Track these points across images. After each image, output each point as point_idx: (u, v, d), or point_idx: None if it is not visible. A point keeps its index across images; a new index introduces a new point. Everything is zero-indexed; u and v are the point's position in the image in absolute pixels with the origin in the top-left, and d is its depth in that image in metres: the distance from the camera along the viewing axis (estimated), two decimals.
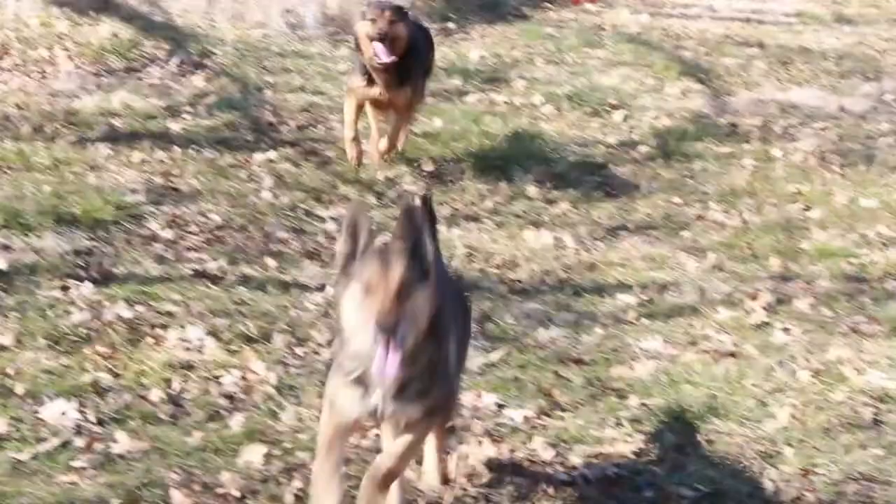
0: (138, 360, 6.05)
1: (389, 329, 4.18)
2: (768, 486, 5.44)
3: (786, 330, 6.98)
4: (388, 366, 4.21)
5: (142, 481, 5.10)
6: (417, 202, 4.70)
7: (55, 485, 5.06)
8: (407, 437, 4.54)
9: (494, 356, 6.44)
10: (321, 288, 7.03)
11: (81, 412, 5.56)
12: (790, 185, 9.39)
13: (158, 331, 6.37)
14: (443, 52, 12.14)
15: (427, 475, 5.21)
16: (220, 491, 5.09)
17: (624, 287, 7.49)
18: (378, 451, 5.03)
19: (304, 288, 7.04)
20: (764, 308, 7.23)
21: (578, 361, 6.50)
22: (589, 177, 9.33)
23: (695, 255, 8.01)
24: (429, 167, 9.14)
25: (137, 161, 8.56)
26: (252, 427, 5.55)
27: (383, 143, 9.05)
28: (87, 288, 6.71)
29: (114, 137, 8.95)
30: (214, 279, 7.01)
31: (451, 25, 13.36)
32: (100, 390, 5.78)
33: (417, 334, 4.29)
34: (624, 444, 5.70)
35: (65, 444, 5.34)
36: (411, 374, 4.34)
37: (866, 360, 6.63)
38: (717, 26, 14.52)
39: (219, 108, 9.81)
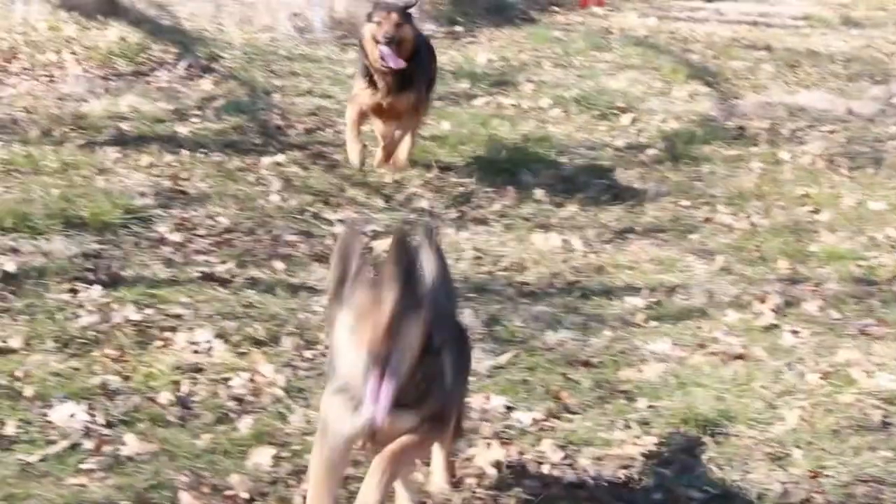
0: (147, 363, 6.06)
1: (382, 359, 4.12)
2: (777, 488, 5.43)
3: (794, 332, 6.97)
4: (381, 396, 4.14)
5: (150, 483, 5.10)
6: (414, 232, 4.66)
7: (64, 487, 5.05)
8: (397, 449, 4.42)
9: (503, 359, 6.43)
10: None
11: (90, 414, 5.56)
12: (798, 188, 9.38)
13: (167, 333, 6.37)
14: (450, 56, 12.18)
15: (434, 476, 5.21)
16: (228, 493, 5.08)
17: (632, 289, 7.48)
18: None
19: (312, 291, 7.03)
20: (772, 310, 7.22)
21: (587, 364, 6.50)
22: (597, 180, 9.33)
23: (703, 258, 8.00)
24: (437, 170, 9.15)
25: (146, 164, 8.57)
26: (260, 429, 5.54)
27: (401, 152, 8.93)
28: (95, 291, 6.71)
29: (122, 141, 8.97)
30: (223, 282, 7.01)
31: (458, 29, 13.39)
32: (108, 393, 5.78)
33: (410, 362, 4.23)
34: (632, 446, 5.69)
35: (74, 447, 5.34)
36: (404, 398, 4.28)
37: (875, 362, 6.61)
38: (725, 29, 14.55)
39: (227, 111, 9.83)
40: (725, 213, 8.85)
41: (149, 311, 6.58)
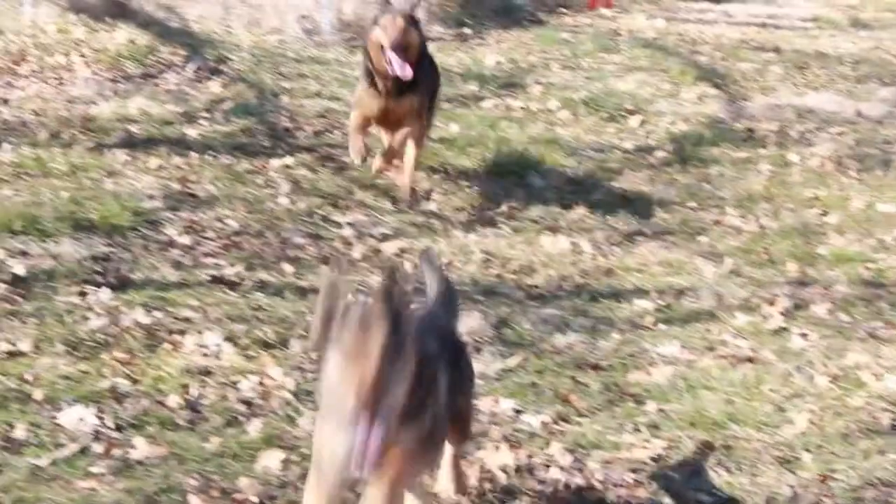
0: (156, 366, 6.06)
1: (371, 405, 4.01)
2: (786, 491, 5.42)
3: (803, 335, 6.97)
4: (371, 440, 4.04)
5: (160, 487, 5.10)
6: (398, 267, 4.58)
7: (74, 491, 5.06)
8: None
9: (512, 362, 6.43)
10: None
11: (99, 418, 5.56)
12: (807, 190, 9.39)
13: (176, 336, 6.38)
14: (458, 58, 12.19)
15: (441, 480, 5.20)
16: (238, 496, 5.09)
17: (641, 292, 7.48)
18: None
19: None
20: (781, 313, 7.22)
21: (596, 367, 6.50)
22: (605, 182, 9.33)
23: (712, 260, 8.00)
24: (445, 172, 9.15)
25: (154, 167, 8.57)
26: (270, 432, 5.55)
27: (406, 172, 8.69)
28: (104, 294, 6.72)
29: (131, 143, 8.97)
30: (232, 285, 7.02)
31: (466, 31, 13.39)
32: (118, 396, 5.78)
33: (400, 404, 4.11)
34: (642, 449, 5.69)
35: (83, 450, 5.34)
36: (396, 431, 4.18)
37: (884, 365, 6.61)
38: (733, 31, 14.54)
39: (235, 113, 9.83)
40: (734, 215, 8.85)
41: (158, 314, 6.58)
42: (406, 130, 8.55)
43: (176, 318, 6.57)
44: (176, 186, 8.27)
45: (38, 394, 5.71)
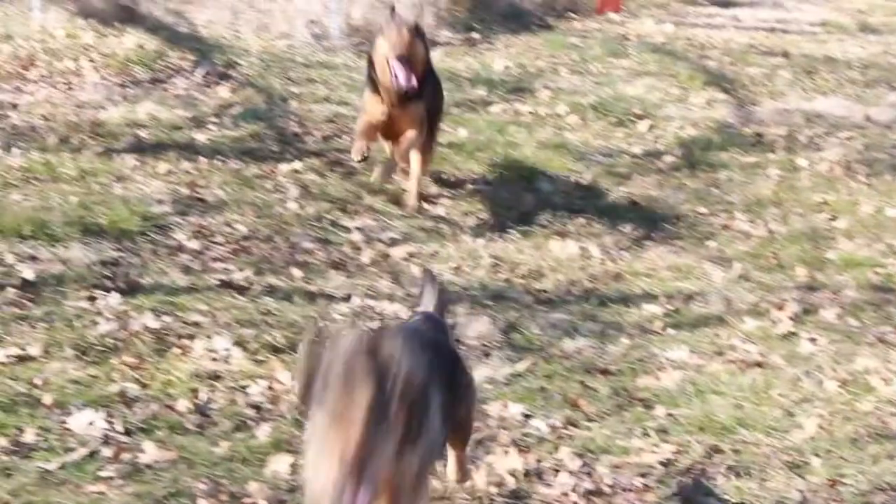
0: (165, 371, 6.07)
1: (356, 471, 3.87)
2: (795, 496, 5.42)
3: (812, 340, 6.97)
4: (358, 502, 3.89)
5: (169, 491, 5.11)
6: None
7: (83, 495, 5.06)
8: None
9: (521, 366, 6.43)
10: (347, 298, 7.04)
11: (109, 422, 5.57)
12: (816, 195, 9.38)
13: (185, 341, 6.38)
14: (467, 63, 12.19)
15: (446, 472, 5.19)
16: (247, 501, 5.09)
17: (650, 297, 7.48)
18: None
19: (330, 298, 7.04)
20: (790, 318, 7.21)
21: (605, 371, 6.50)
22: (614, 187, 9.32)
23: (721, 265, 8.00)
24: (453, 177, 9.15)
25: (163, 172, 8.58)
26: (279, 437, 5.55)
27: (411, 192, 8.59)
28: (113, 298, 6.72)
29: (140, 148, 8.98)
30: (241, 289, 7.02)
31: (475, 35, 13.39)
32: (127, 400, 5.78)
33: (388, 466, 3.96)
34: (651, 454, 5.69)
35: (92, 454, 5.34)
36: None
37: (893, 370, 6.60)
38: (742, 36, 14.53)
39: (244, 118, 9.84)
40: (743, 220, 8.84)
41: (167, 318, 6.59)
42: (410, 138, 8.45)
43: (185, 323, 6.57)
44: (185, 191, 8.27)
45: (47, 398, 5.71)
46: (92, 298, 6.72)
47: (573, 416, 5.98)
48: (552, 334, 6.87)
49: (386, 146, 8.81)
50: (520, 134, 10.19)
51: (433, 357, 4.37)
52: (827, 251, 8.33)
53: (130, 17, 12.00)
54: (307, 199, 8.42)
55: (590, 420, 5.97)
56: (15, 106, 9.79)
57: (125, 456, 5.34)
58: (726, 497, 5.40)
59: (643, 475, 5.52)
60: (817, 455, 5.72)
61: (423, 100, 8.46)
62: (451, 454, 5.14)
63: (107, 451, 5.36)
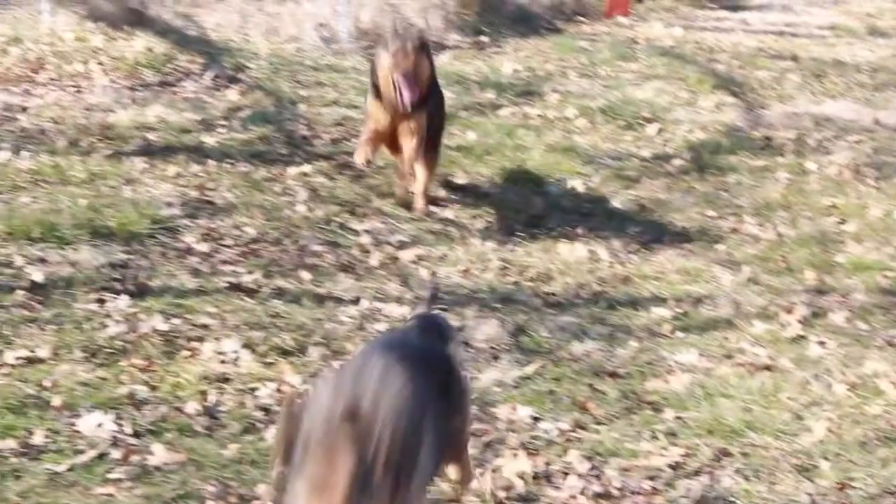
0: (174, 373, 6.08)
1: None
2: (804, 499, 5.42)
3: (821, 343, 6.96)
4: None
5: (178, 493, 5.12)
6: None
7: (92, 497, 5.08)
8: None
9: (529, 369, 6.44)
10: (356, 301, 7.04)
11: (118, 424, 5.58)
12: (825, 198, 9.37)
13: (194, 343, 6.39)
14: (476, 66, 12.18)
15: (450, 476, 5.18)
16: (256, 503, 5.10)
17: (659, 300, 7.48)
18: None
19: (338, 301, 7.05)
20: (799, 321, 7.21)
21: (613, 374, 6.50)
22: (623, 190, 9.32)
23: (730, 268, 8.00)
24: (462, 180, 9.16)
25: (172, 174, 8.59)
26: None
27: (417, 197, 8.58)
28: (122, 301, 6.73)
29: (149, 151, 8.98)
30: (249, 292, 7.03)
31: (484, 39, 13.38)
32: (136, 402, 5.79)
33: None
34: (659, 457, 5.69)
35: (101, 456, 5.35)
36: None
37: None
38: (751, 39, 14.51)
39: (253, 121, 9.84)
40: (752, 223, 8.83)
41: (176, 320, 6.60)
42: (413, 147, 8.41)
43: (194, 325, 6.58)
44: (194, 194, 8.28)
45: (56, 400, 5.72)
46: (101, 301, 6.73)
47: (582, 418, 5.99)
48: (561, 337, 6.87)
49: (392, 156, 8.79)
50: (528, 137, 10.18)
51: (422, 376, 4.09)
52: (836, 255, 8.33)
53: (139, 21, 12.01)
54: (316, 202, 8.42)
55: (598, 423, 5.97)
56: (24, 109, 9.79)
57: (134, 458, 5.35)
58: (735, 500, 5.40)
59: (652, 478, 5.52)
60: (826, 458, 5.72)
61: (426, 110, 8.44)
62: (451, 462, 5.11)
63: (116, 453, 5.37)
